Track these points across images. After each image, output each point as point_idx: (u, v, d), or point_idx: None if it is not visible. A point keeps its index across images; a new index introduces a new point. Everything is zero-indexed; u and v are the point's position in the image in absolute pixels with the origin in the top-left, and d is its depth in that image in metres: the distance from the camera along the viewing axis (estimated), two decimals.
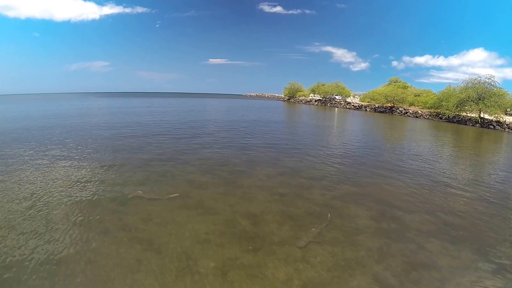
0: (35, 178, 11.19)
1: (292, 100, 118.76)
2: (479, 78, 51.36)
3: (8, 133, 21.03)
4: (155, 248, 6.75)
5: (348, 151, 19.58)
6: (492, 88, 49.52)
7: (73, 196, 9.60)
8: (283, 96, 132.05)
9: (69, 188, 10.31)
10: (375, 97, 78.08)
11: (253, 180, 12.17)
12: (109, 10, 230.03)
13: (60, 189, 10.16)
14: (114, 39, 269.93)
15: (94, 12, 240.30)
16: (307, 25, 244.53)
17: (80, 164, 13.38)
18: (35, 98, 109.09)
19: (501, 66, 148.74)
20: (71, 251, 6.45)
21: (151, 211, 8.67)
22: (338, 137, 27.53)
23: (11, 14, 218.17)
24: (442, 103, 55.37)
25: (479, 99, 48.84)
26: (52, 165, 13.12)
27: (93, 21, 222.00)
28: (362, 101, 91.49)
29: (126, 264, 6.08)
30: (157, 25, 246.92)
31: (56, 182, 10.90)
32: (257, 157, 16.30)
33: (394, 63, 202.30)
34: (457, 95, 52.25)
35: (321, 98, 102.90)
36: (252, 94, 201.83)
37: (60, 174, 11.88)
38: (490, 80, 50.23)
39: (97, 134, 21.69)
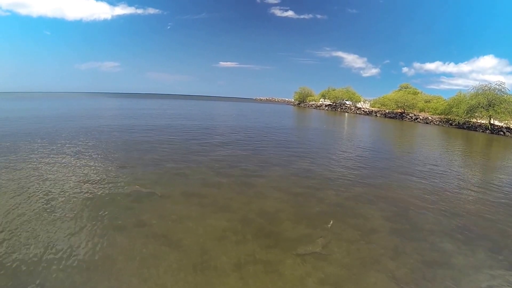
0: (50, 175, 11.44)
1: (302, 104, 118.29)
2: (490, 85, 51.16)
3: (24, 134, 21.39)
4: (171, 243, 6.91)
5: (361, 154, 19.65)
6: (503, 94, 49.28)
7: (89, 192, 9.84)
8: (293, 100, 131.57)
9: (85, 184, 10.58)
10: (386, 102, 77.79)
11: (266, 180, 12.31)
12: (121, 10, 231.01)
13: (77, 186, 10.41)
14: (125, 40, 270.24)
15: (106, 12, 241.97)
16: (318, 29, 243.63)
17: (95, 163, 13.56)
18: (45, 97, 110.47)
19: (511, 73, 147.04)
20: (88, 246, 6.61)
21: (167, 209, 8.86)
22: (349, 141, 27.48)
23: (23, 12, 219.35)
24: (453, 109, 55.16)
25: (489, 105, 48.62)
26: (66, 163, 13.37)
27: (105, 21, 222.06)
28: (372, 107, 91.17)
29: (143, 259, 6.23)
30: (169, 27, 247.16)
31: (71, 178, 11.16)
32: (270, 158, 16.40)
33: (405, 69, 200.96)
34: (468, 101, 52.00)
35: (331, 103, 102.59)
36: (262, 98, 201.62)
37: (75, 171, 12.11)
38: (500, 86, 50.04)
39: (111, 135, 21.97)
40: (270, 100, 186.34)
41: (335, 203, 10.07)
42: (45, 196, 9.30)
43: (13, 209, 8.23)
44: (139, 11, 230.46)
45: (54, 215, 8.06)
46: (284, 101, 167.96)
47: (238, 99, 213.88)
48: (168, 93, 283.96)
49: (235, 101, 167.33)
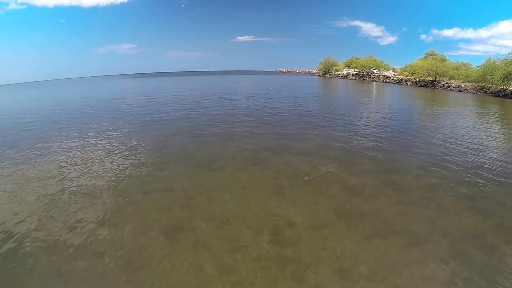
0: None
1: (327, 75, 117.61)
2: None
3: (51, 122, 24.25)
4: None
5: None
6: None
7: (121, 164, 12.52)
8: (317, 71, 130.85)
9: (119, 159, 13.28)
10: (416, 70, 77.61)
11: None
12: None
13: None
14: (141, 22, 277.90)
15: None
16: None
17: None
18: (65, 83, 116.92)
19: None
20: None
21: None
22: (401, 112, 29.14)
23: (39, 3, 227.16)
24: (487, 76, 54.47)
25: None
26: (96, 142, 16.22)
27: (122, 4, 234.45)
28: (400, 75, 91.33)
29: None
30: (183, 5, 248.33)
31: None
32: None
33: (423, 36, 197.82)
34: (503, 68, 51.22)
35: (357, 73, 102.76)
36: (282, 70, 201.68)
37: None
38: None
39: (136, 114, 25.11)
40: (291, 72, 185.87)
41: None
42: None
43: None
44: None
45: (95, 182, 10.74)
46: (305, 72, 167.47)
47: (259, 72, 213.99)
48: (187, 70, 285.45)
49: (255, 74, 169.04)
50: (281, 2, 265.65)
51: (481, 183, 10.77)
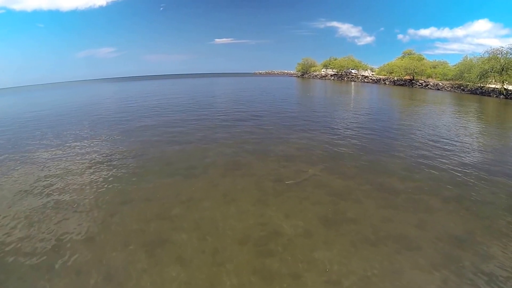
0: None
1: (306, 75, 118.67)
2: (502, 48, 51.40)
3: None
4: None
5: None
6: None
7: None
8: (295, 72, 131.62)
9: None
10: (394, 69, 78.88)
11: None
12: None
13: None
14: (120, 25, 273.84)
15: None
16: (313, 0, 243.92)
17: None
18: (45, 88, 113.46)
19: (506, 36, 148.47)
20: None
21: None
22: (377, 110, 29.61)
23: (17, 7, 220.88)
24: (464, 74, 55.76)
25: (503, 70, 49.40)
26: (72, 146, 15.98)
27: (101, 8, 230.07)
28: (378, 75, 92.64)
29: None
30: (161, 8, 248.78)
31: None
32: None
33: (400, 36, 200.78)
34: (480, 66, 52.47)
35: (336, 73, 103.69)
36: (261, 71, 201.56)
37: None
38: None
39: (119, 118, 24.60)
40: (269, 73, 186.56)
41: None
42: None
43: None
44: None
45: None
46: (284, 73, 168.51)
47: (238, 74, 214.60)
48: (167, 74, 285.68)
49: (235, 76, 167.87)
50: (259, 4, 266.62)
51: (467, 183, 10.76)
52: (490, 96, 49.55)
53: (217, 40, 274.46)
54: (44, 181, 11.26)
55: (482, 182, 10.87)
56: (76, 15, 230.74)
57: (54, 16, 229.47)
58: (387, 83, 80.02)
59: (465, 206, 9.03)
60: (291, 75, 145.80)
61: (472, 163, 12.99)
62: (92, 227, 7.99)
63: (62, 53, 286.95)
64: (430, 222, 8.15)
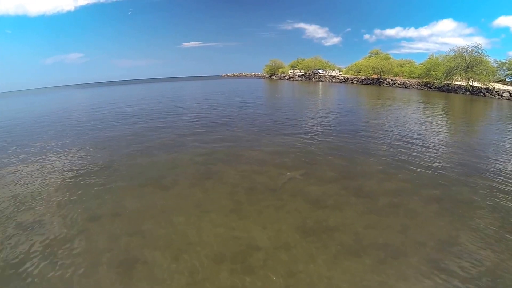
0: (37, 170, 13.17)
1: (274, 77, 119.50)
2: (467, 47, 53.92)
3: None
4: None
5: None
6: (480, 56, 52.16)
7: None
8: (263, 74, 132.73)
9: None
10: (361, 69, 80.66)
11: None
12: (84, 1, 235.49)
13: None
14: (89, 30, 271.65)
15: (69, 4, 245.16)
16: (280, 2, 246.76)
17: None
18: (11, 96, 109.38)
19: (470, 35, 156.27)
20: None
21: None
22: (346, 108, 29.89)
23: None
24: (431, 72, 58.50)
25: (468, 67, 51.57)
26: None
27: (69, 13, 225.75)
28: (345, 74, 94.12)
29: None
30: (129, 13, 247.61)
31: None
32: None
33: (366, 36, 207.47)
34: (446, 64, 54.66)
35: (304, 74, 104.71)
36: (229, 74, 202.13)
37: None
38: (477, 48, 52.88)
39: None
40: (237, 76, 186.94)
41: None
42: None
43: None
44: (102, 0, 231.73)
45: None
46: (252, 75, 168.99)
47: (206, 77, 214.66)
48: (137, 78, 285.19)
49: (203, 79, 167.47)
50: (227, 7, 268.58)
51: (446, 182, 10.73)
52: (457, 93, 51.38)
53: (185, 43, 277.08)
54: (3, 202, 10.24)
55: (460, 180, 10.93)
56: (44, 20, 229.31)
57: (22, 22, 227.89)
58: (355, 82, 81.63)
59: (446, 207, 8.94)
60: (259, 77, 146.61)
61: (448, 161, 13.15)
62: (57, 248, 7.27)
63: (30, 59, 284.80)
64: (413, 226, 7.96)
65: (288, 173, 11.59)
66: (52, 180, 11.85)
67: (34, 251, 7.17)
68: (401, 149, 14.77)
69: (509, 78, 54.57)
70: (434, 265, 6.36)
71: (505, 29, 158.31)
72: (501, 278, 5.96)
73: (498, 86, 48.09)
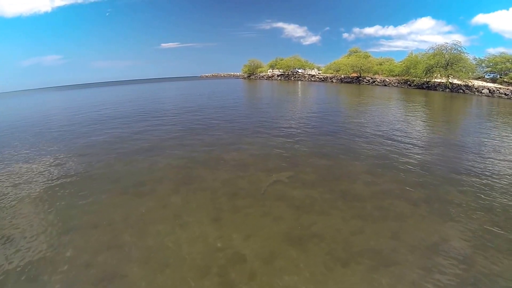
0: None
1: (252, 77, 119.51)
2: (447, 44, 55.13)
3: None
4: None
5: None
6: (459, 53, 53.34)
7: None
8: (242, 73, 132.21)
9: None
10: (341, 67, 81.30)
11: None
12: (61, 1, 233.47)
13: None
14: (66, 31, 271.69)
15: (46, 5, 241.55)
16: (258, 2, 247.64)
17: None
18: None
19: (449, 32, 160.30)
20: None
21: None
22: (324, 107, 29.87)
23: None
24: (410, 70, 59.37)
25: (448, 64, 52.75)
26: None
27: (46, 14, 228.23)
28: (324, 73, 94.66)
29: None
30: (107, 14, 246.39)
31: None
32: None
33: (345, 35, 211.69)
34: (426, 61, 55.86)
35: (283, 73, 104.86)
36: (207, 74, 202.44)
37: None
38: (457, 46, 54.15)
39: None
40: (216, 76, 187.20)
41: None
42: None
43: None
44: (79, 0, 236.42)
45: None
46: (231, 75, 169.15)
47: (185, 78, 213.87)
48: (115, 80, 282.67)
49: (182, 80, 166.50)
50: (205, 8, 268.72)
51: (433, 182, 10.60)
52: (436, 90, 52.37)
53: (163, 44, 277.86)
54: None
55: (447, 179, 10.85)
56: (20, 21, 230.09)
57: None
58: (334, 81, 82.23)
59: (435, 209, 8.78)
60: (237, 77, 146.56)
61: (433, 160, 13.10)
62: (31, 265, 6.72)
63: (5, 61, 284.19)
64: (403, 230, 7.73)
65: (272, 175, 11.24)
66: (25, 191, 11.13)
67: (5, 270, 6.61)
68: (386, 148, 14.73)
69: (488, 75, 55.61)
70: (427, 272, 6.14)
71: (484, 27, 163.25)
72: (496, 282, 5.84)
73: (477, 83, 49.05)
